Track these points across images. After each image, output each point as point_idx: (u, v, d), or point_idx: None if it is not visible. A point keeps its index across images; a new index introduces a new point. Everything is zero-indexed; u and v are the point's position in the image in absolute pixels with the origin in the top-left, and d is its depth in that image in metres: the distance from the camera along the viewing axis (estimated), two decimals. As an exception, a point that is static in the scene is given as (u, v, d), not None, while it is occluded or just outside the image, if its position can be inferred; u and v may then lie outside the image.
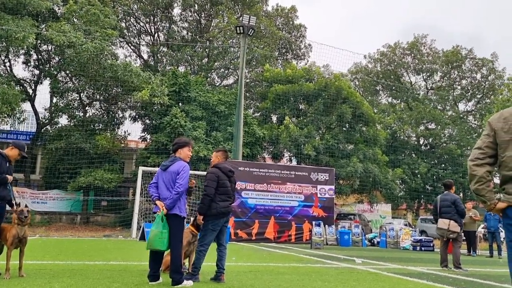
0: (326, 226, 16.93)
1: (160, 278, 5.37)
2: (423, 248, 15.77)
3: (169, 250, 5.28)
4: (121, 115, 28.71)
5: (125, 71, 21.97)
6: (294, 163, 28.07)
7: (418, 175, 37.52)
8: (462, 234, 8.92)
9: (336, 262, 9.34)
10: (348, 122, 25.96)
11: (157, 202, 5.33)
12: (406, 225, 27.02)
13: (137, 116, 27.42)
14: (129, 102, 26.91)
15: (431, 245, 16.02)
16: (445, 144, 40.73)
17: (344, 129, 26.60)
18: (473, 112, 47.02)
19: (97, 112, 28.39)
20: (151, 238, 5.19)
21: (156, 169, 18.06)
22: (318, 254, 11.70)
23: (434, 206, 9.37)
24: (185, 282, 5.19)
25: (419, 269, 8.51)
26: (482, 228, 16.78)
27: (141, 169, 16.42)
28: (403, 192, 35.88)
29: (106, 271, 6.30)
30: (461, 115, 44.89)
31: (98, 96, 27.87)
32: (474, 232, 14.67)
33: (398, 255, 12.94)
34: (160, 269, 5.58)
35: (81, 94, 26.99)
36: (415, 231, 18.81)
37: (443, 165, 39.86)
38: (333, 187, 18.02)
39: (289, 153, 27.20)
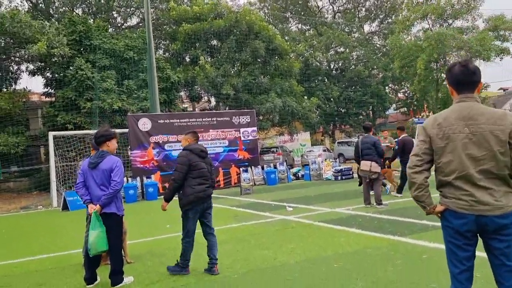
0: (253, 167, 17.29)
1: (98, 277, 5.14)
2: (343, 177, 16.82)
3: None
4: (15, 68, 25.94)
5: (13, 22, 19.49)
6: (213, 103, 27.76)
7: (332, 99, 39.16)
8: (381, 173, 9.52)
9: (268, 213, 9.62)
10: (263, 57, 25.80)
11: (90, 206, 4.94)
12: (325, 150, 28.53)
13: (36, 70, 24.93)
14: (24, 55, 24.23)
15: (351, 173, 17.10)
16: (353, 67, 42.40)
17: (259, 64, 26.44)
18: (377, 32, 48.93)
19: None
20: (93, 241, 4.81)
21: (67, 133, 16.90)
22: (249, 202, 11.98)
23: (356, 148, 9.88)
24: (125, 280, 5.01)
25: (346, 211, 9.05)
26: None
27: (52, 134, 15.16)
28: (319, 117, 37.33)
29: (34, 273, 5.89)
30: (367, 37, 46.56)
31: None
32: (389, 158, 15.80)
33: (323, 190, 13.63)
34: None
35: (-38, 51, 23.76)
36: (336, 161, 19.85)
37: (353, 87, 41.79)
38: (255, 128, 18.20)
39: (207, 94, 26.74)
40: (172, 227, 8.50)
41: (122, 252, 6.02)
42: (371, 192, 9.67)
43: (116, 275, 4.96)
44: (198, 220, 5.34)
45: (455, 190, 2.70)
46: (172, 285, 4.83)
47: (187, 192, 5.15)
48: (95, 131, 16.45)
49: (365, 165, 9.25)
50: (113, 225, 5.00)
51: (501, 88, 58.55)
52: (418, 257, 5.15)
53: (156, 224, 9.32)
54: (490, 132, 2.60)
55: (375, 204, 9.28)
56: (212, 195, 5.38)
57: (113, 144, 5.23)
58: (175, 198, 5.31)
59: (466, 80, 2.75)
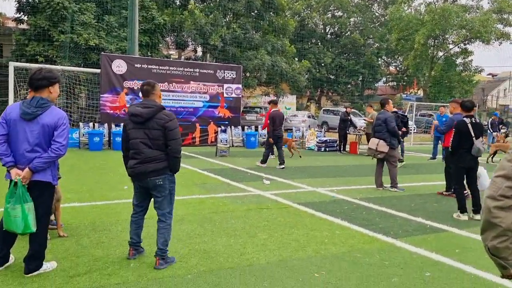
0: (233, 127, 16.13)
1: (11, 257, 3.99)
2: (327, 149, 15.82)
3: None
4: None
5: None
6: (199, 53, 26.10)
7: (323, 65, 37.75)
8: (397, 153, 8.55)
9: (243, 184, 8.57)
10: (257, 10, 24.04)
11: (13, 171, 3.66)
12: (309, 117, 27.47)
13: (8, -9, 22.65)
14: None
15: (335, 145, 16.11)
16: (349, 33, 40.80)
17: (253, 18, 24.69)
18: (377, 0, 46.99)
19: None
20: (13, 220, 3.59)
21: (30, 65, 15.19)
22: (223, 167, 10.89)
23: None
24: (44, 266, 3.86)
25: (329, 193, 8.04)
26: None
27: (12, 65, 13.49)
28: (308, 81, 36.12)
29: None
30: (367, 3, 44.64)
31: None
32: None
33: (305, 162, 12.64)
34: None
35: None
36: (320, 130, 18.82)
37: (346, 55, 40.38)
38: (240, 86, 16.89)
39: (193, 43, 24.99)
40: (130, 189, 7.35)
41: (54, 223, 4.93)
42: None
43: (35, 260, 3.80)
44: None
45: None
46: (104, 281, 3.72)
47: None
48: (64, 67, 14.58)
49: (373, 142, 8.33)
50: (44, 198, 3.81)
51: (490, 74, 58.00)
52: (419, 275, 4.15)
53: (113, 183, 8.16)
54: None
55: (388, 187, 8.35)
56: (158, 172, 4.02)
57: (56, 91, 3.92)
58: None
59: None
